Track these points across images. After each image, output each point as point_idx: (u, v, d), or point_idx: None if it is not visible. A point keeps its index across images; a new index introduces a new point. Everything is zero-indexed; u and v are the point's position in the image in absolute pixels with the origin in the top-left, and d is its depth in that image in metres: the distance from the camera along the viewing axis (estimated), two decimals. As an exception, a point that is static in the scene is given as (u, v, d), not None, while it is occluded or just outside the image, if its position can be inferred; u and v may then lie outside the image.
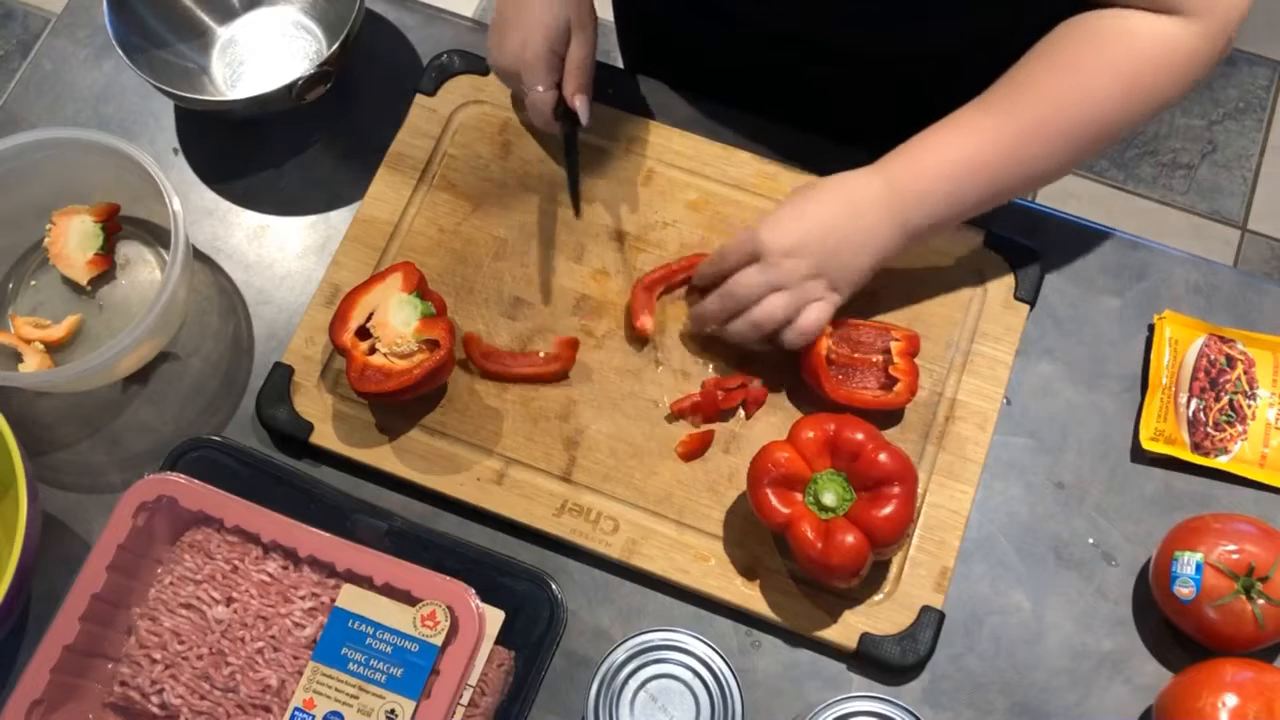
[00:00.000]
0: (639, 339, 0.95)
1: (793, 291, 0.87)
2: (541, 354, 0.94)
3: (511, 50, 0.93)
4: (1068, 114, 0.83)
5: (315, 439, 0.92)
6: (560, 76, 0.94)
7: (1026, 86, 0.84)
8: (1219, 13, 0.81)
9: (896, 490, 0.81)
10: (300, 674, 0.80)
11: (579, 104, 0.94)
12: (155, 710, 0.81)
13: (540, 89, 0.94)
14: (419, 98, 1.03)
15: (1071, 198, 2.08)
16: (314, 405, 0.93)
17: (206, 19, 1.07)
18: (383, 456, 0.92)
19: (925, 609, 0.87)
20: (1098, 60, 0.82)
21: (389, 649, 0.79)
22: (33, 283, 0.99)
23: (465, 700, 0.81)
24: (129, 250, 1.00)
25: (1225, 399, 0.94)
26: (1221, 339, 0.96)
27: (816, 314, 0.87)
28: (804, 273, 0.86)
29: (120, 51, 0.96)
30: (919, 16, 0.91)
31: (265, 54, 1.07)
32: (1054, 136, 0.83)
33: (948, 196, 0.85)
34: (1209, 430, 0.93)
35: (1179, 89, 0.83)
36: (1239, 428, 0.93)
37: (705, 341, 0.95)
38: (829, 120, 1.05)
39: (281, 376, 0.93)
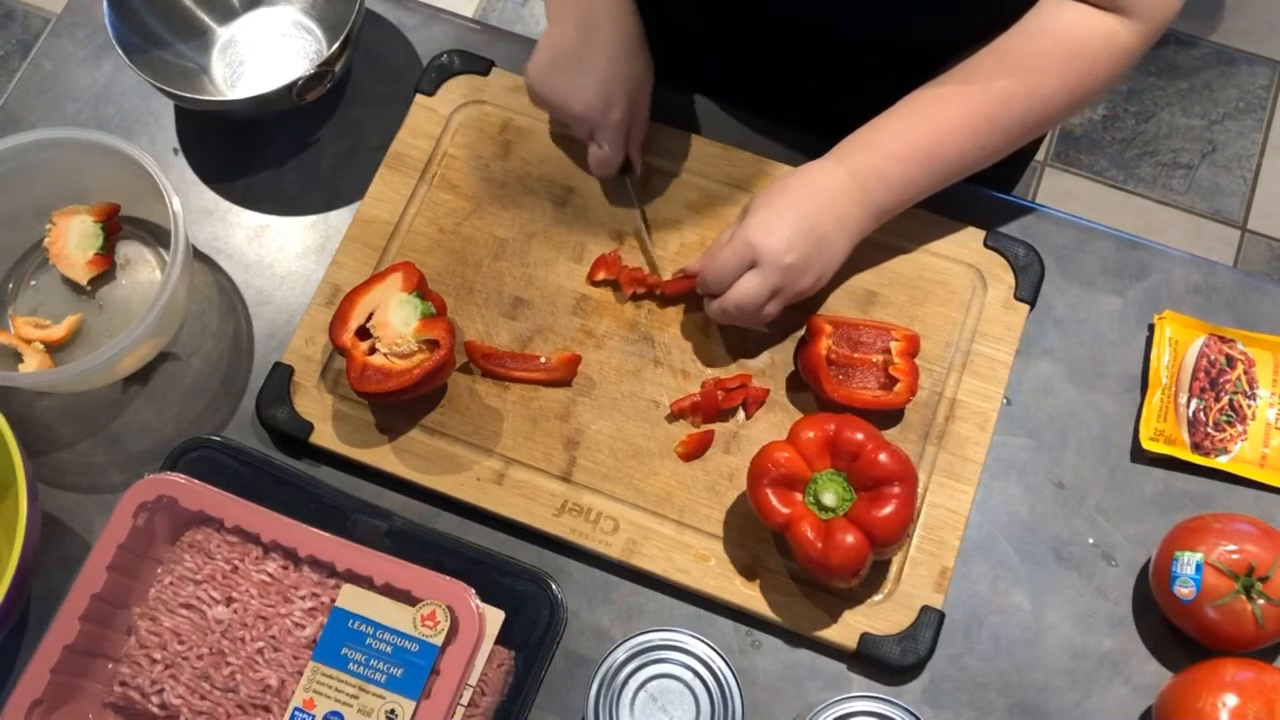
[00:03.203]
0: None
1: (787, 292, 0.89)
2: (543, 359, 0.94)
3: (591, 104, 0.92)
4: (1016, 109, 0.88)
5: (315, 439, 0.92)
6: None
7: (979, 80, 0.89)
8: (1158, 14, 0.86)
9: (896, 490, 0.81)
10: (300, 674, 0.80)
11: (638, 159, 0.98)
12: (155, 710, 0.81)
13: (612, 147, 0.95)
14: (419, 98, 1.03)
15: (1071, 198, 2.08)
16: (314, 405, 0.93)
17: (206, 19, 1.07)
18: (383, 456, 0.92)
19: (925, 609, 0.87)
20: (1047, 58, 0.87)
21: (389, 649, 0.79)
22: (33, 283, 0.99)
23: (465, 700, 0.81)
24: (129, 250, 1.00)
25: (1225, 399, 0.94)
26: (1221, 339, 0.96)
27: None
28: (798, 269, 0.88)
29: (120, 51, 0.96)
30: (974, 9, 0.92)
31: (265, 54, 1.07)
32: (1003, 127, 0.89)
33: (904, 182, 0.90)
34: (1209, 430, 0.93)
35: (1114, 82, 0.89)
36: (1239, 428, 0.93)
37: (705, 341, 0.95)
38: (833, 118, 1.05)
39: (281, 376, 0.93)
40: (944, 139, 0.88)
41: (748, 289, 0.88)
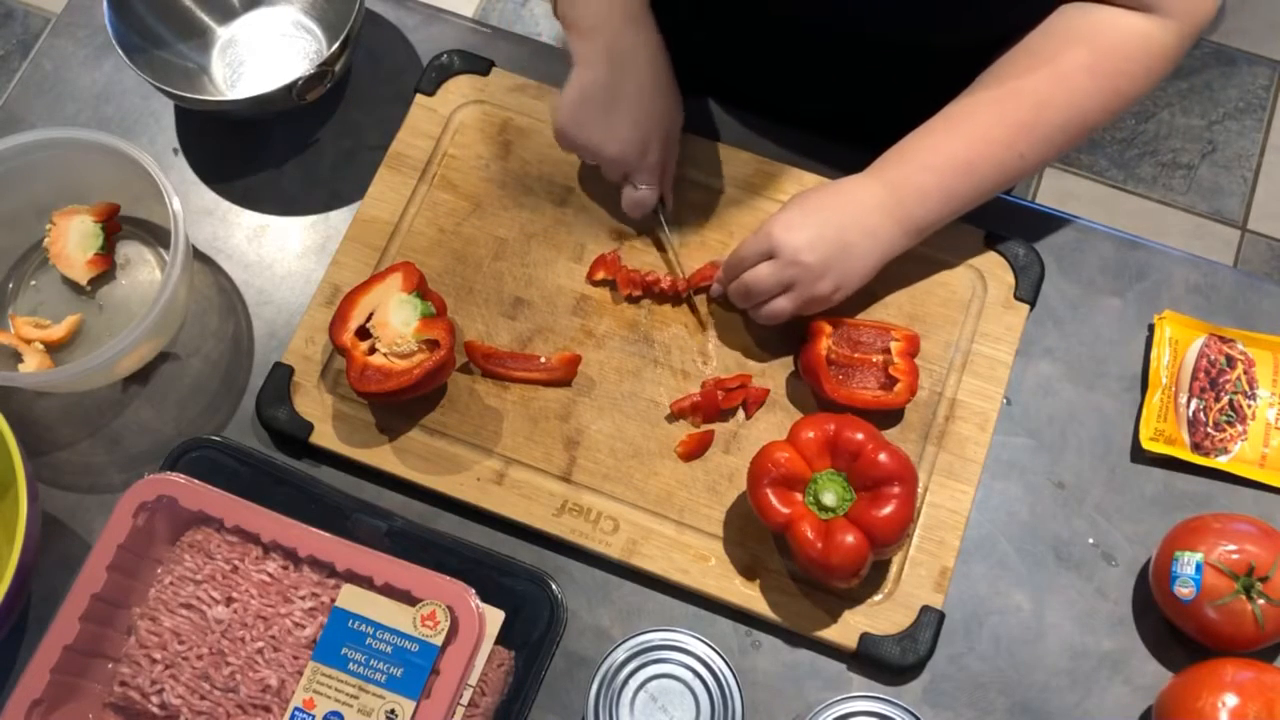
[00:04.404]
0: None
1: (800, 290, 0.88)
2: (543, 359, 0.94)
3: (628, 147, 0.91)
4: (1053, 114, 0.87)
5: (315, 439, 0.92)
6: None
7: (1013, 86, 0.87)
8: (1193, 13, 0.84)
9: (896, 490, 0.81)
10: (300, 674, 0.80)
11: (670, 194, 0.98)
12: (155, 710, 0.81)
13: (649, 188, 0.94)
14: (419, 98, 1.03)
15: (1071, 198, 2.08)
16: (314, 405, 0.93)
17: (206, 19, 1.07)
18: (383, 456, 0.92)
19: (925, 609, 0.87)
20: (1080, 60, 0.86)
21: (389, 649, 0.79)
22: (33, 283, 0.99)
23: (465, 700, 0.81)
24: (129, 250, 1.00)
25: (1225, 399, 0.94)
26: (1221, 339, 0.96)
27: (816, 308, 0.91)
28: (815, 271, 0.87)
29: (120, 51, 0.96)
30: (980, 9, 0.92)
31: (265, 54, 1.07)
32: (1040, 135, 0.87)
33: (942, 195, 0.88)
34: (1209, 430, 0.93)
35: (1152, 85, 0.87)
36: (1239, 428, 0.93)
37: (705, 341, 0.95)
38: (837, 119, 1.05)
39: (281, 376, 0.93)
40: (980, 148, 0.87)
41: (759, 275, 0.88)
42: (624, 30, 0.89)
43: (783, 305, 0.89)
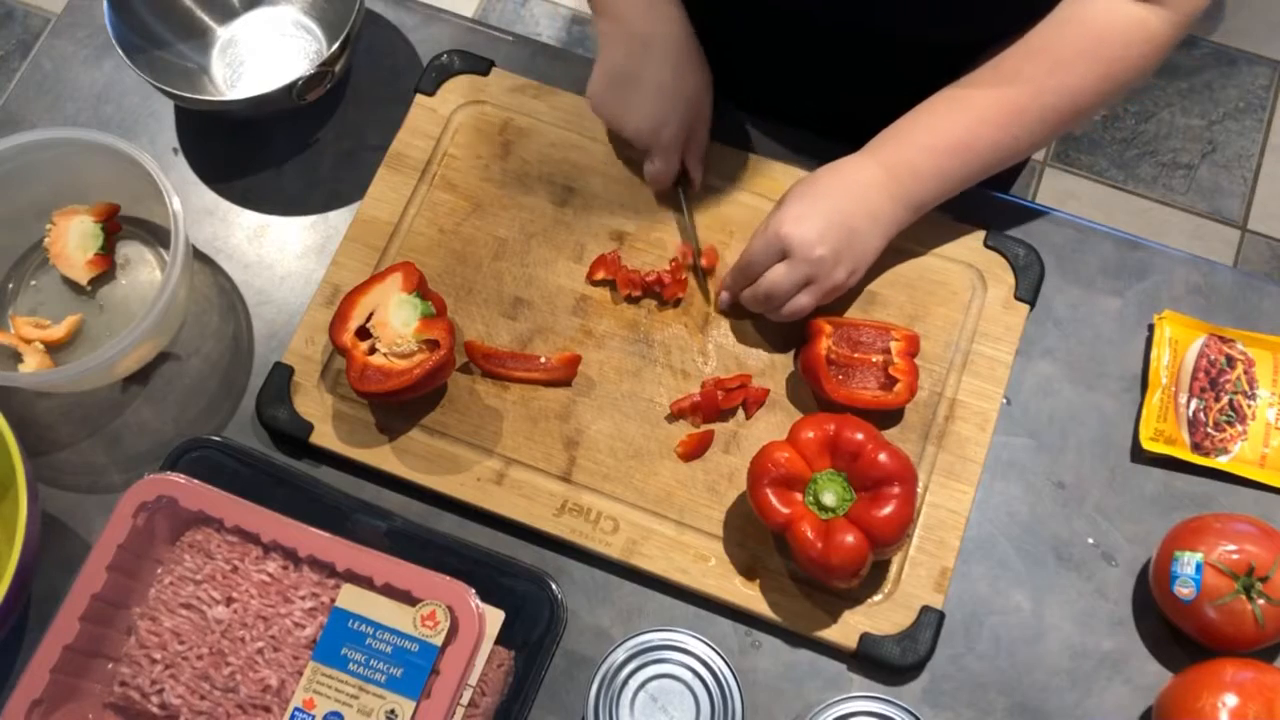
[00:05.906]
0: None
1: (819, 284, 0.89)
2: (543, 359, 0.94)
3: (643, 125, 0.93)
4: (1047, 99, 0.88)
5: (315, 439, 0.92)
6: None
7: (1010, 71, 0.89)
8: (1187, 1, 0.86)
9: (896, 490, 0.81)
10: (300, 674, 0.80)
11: (697, 173, 0.98)
12: (155, 710, 0.81)
13: (665, 163, 0.95)
14: (419, 98, 1.03)
15: (1071, 198, 2.08)
16: (314, 405, 0.93)
17: (206, 19, 1.07)
18: (383, 456, 0.92)
19: (925, 609, 0.87)
20: (1077, 47, 0.87)
21: (389, 649, 0.79)
22: (33, 283, 0.99)
23: (465, 700, 0.81)
24: (129, 250, 1.00)
25: (1225, 399, 0.94)
26: (1221, 339, 0.96)
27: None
28: (830, 261, 0.88)
29: (120, 51, 0.96)
30: (971, 7, 0.93)
31: (265, 54, 1.07)
32: (1035, 118, 0.89)
33: (938, 175, 0.90)
34: (1209, 430, 0.93)
35: (1146, 72, 0.89)
36: (1239, 428, 0.93)
37: (705, 341, 0.95)
38: (838, 119, 1.05)
39: (281, 376, 0.93)
40: (975, 130, 0.89)
41: (776, 278, 0.89)
42: (645, 17, 0.92)
43: (804, 301, 0.90)
